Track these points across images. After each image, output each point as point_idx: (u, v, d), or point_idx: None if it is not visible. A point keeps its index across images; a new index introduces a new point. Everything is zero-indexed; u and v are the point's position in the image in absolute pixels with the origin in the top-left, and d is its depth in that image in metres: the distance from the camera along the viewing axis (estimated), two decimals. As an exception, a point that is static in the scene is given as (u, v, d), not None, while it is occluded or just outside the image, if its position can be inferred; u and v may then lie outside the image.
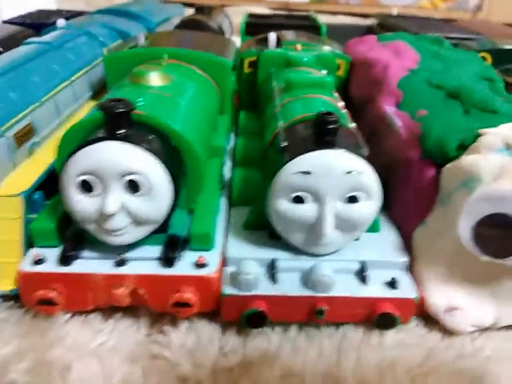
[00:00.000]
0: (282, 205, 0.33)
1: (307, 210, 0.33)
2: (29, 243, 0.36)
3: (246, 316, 0.33)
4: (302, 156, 0.33)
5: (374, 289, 0.35)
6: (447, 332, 0.36)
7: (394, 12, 1.08)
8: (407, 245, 0.39)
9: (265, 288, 0.34)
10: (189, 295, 0.33)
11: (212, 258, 0.35)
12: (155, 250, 0.35)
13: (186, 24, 0.76)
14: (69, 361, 0.32)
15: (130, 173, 0.31)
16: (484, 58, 0.66)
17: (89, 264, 0.34)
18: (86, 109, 0.54)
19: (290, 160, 0.33)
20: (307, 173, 0.32)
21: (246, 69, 0.60)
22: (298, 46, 0.59)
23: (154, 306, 0.34)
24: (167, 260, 0.34)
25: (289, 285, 0.34)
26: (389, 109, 0.47)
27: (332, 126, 0.33)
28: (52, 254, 0.35)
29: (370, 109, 0.52)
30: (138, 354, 0.33)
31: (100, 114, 0.33)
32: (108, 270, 0.33)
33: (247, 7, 1.47)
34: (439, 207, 0.37)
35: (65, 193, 0.32)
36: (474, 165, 0.34)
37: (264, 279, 0.35)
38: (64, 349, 0.33)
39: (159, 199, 0.32)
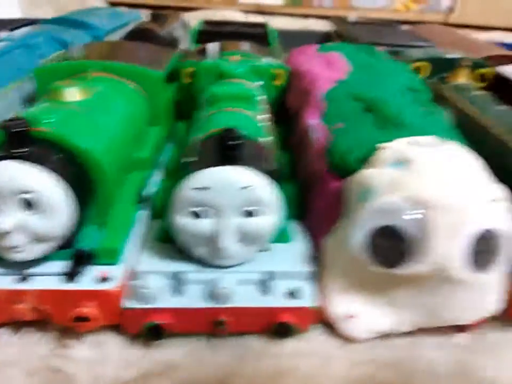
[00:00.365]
0: (182, 220, 0.35)
1: (206, 224, 0.34)
2: None
3: (146, 329, 0.34)
4: (199, 172, 0.34)
5: (274, 299, 0.36)
6: (347, 339, 0.37)
7: (352, 17, 1.10)
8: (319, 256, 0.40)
9: (166, 300, 0.35)
10: (88, 309, 0.33)
11: (117, 272, 0.36)
12: (60, 265, 0.36)
13: (134, 34, 0.76)
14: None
15: (24, 192, 0.32)
16: (419, 67, 0.68)
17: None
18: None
19: (188, 175, 0.34)
20: (204, 188, 0.34)
21: (185, 80, 0.61)
22: (235, 57, 0.60)
23: (58, 321, 0.35)
24: (70, 274, 0.35)
25: (192, 297, 0.35)
26: (313, 121, 0.49)
27: (232, 142, 0.34)
28: None
29: (299, 121, 0.53)
30: (38, 368, 0.33)
31: (2, 133, 0.34)
32: (9, 285, 0.34)
33: (217, 12, 1.47)
34: (344, 218, 0.39)
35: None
36: (368, 178, 0.35)
37: (168, 292, 0.36)
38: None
39: (56, 216, 0.33)
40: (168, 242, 0.39)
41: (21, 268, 0.35)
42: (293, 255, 0.39)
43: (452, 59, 0.67)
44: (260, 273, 0.37)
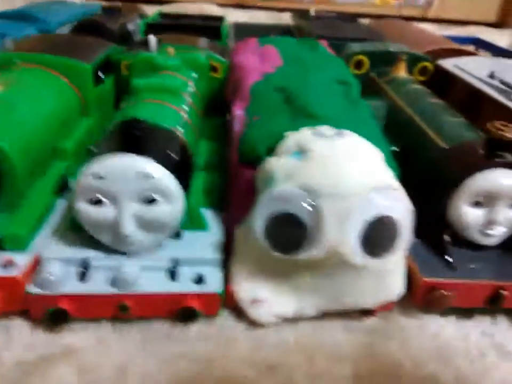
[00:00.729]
0: (82, 207, 0.35)
1: (106, 212, 0.35)
2: None
3: (49, 314, 0.35)
4: (97, 159, 0.35)
5: (180, 285, 0.37)
6: (253, 324, 0.38)
7: (312, 11, 1.10)
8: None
9: (70, 286, 0.36)
10: (-9, 295, 0.34)
11: (23, 259, 0.36)
12: (-34, 252, 0.36)
13: (81, 27, 0.76)
14: None
15: None
16: (361, 60, 0.69)
17: None
18: None
19: (88, 163, 0.35)
20: (100, 176, 0.34)
21: (123, 72, 0.62)
22: (171, 50, 0.60)
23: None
24: (-27, 261, 0.35)
25: (96, 283, 0.36)
26: (238, 113, 0.50)
27: (134, 132, 0.35)
28: None
29: (231, 113, 0.54)
30: None
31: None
32: None
33: (195, 5, 1.45)
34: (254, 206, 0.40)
35: None
36: (271, 167, 0.37)
37: (74, 278, 0.36)
38: None
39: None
40: (79, 230, 0.39)
41: None
42: (205, 242, 0.40)
43: (389, 52, 0.68)
44: (166, 259, 0.38)
